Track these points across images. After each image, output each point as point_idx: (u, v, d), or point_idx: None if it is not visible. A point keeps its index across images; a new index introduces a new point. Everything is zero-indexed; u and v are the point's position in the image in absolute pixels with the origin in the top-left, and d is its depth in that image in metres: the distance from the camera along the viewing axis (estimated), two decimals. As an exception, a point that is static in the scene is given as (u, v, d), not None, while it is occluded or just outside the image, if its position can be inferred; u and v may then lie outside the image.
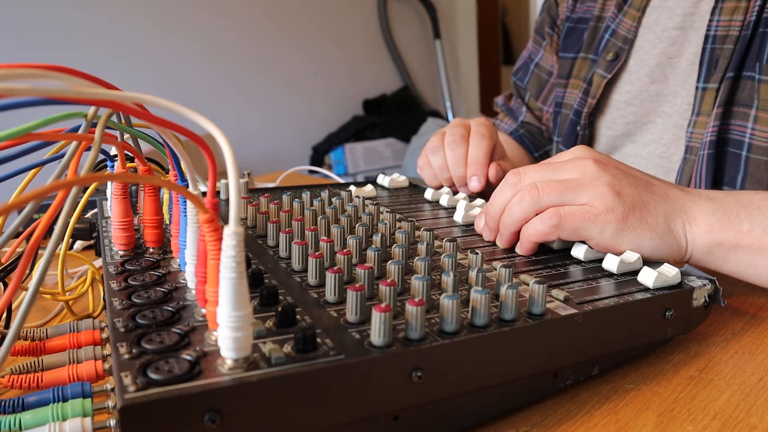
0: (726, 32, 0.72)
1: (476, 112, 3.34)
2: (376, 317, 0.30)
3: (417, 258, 0.40)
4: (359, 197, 0.56)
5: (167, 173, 0.44)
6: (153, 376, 0.27)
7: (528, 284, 0.37)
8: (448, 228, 0.56)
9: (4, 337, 0.38)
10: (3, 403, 0.31)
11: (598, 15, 0.88)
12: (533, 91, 1.00)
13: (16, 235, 0.32)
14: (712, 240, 0.47)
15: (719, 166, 0.72)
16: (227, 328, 0.27)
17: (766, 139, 0.69)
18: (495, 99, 1.08)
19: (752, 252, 0.47)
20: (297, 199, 0.54)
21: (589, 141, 0.88)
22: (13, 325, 0.27)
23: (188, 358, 0.29)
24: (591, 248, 0.47)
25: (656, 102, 0.81)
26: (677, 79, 0.79)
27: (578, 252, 0.47)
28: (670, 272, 0.42)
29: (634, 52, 0.83)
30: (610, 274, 0.44)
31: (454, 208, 0.61)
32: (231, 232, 0.26)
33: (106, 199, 0.55)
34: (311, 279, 0.39)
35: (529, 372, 0.36)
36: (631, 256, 0.44)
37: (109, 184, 0.50)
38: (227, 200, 0.42)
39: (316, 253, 0.39)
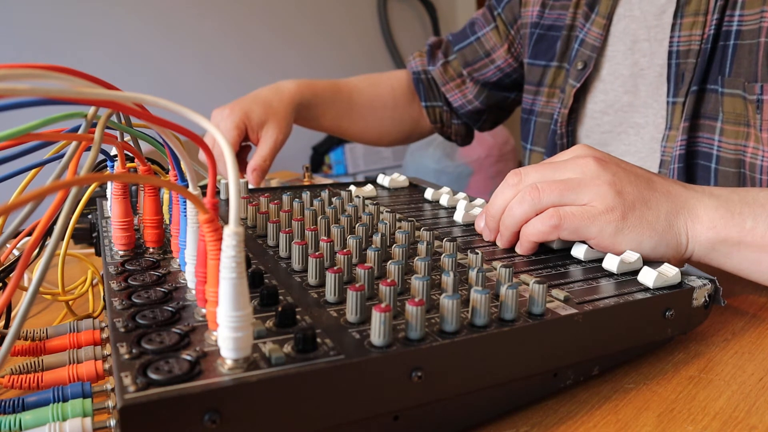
0: (688, 47, 0.73)
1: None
2: (376, 317, 0.30)
3: (417, 258, 0.40)
4: (359, 197, 0.56)
5: (167, 173, 0.44)
6: (153, 376, 0.27)
7: (528, 284, 0.37)
8: (448, 228, 0.56)
9: (4, 337, 0.38)
10: (3, 403, 0.31)
11: (570, 24, 0.88)
12: (463, 59, 1.00)
13: (15, 234, 0.32)
14: (715, 236, 0.47)
15: (690, 179, 0.73)
16: (227, 328, 0.27)
17: (732, 150, 0.70)
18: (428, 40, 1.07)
19: (755, 249, 0.47)
20: (297, 199, 0.54)
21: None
22: (13, 325, 0.27)
23: (188, 358, 0.29)
24: (591, 248, 0.47)
25: (629, 112, 0.82)
26: (648, 91, 0.80)
27: (578, 252, 0.47)
28: (670, 272, 0.42)
29: (607, 61, 0.84)
30: (610, 274, 0.44)
31: (454, 208, 0.61)
32: (231, 232, 0.26)
33: (107, 199, 0.55)
34: (311, 279, 0.39)
35: (529, 372, 0.36)
36: (631, 256, 0.44)
37: (109, 184, 0.50)
38: (227, 200, 0.42)
39: (316, 253, 0.39)
